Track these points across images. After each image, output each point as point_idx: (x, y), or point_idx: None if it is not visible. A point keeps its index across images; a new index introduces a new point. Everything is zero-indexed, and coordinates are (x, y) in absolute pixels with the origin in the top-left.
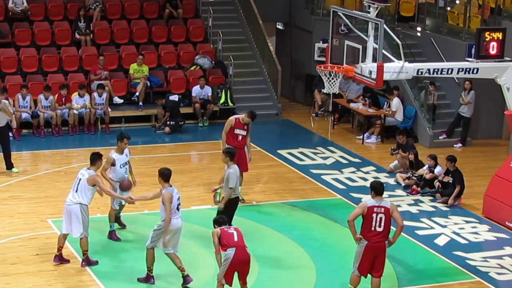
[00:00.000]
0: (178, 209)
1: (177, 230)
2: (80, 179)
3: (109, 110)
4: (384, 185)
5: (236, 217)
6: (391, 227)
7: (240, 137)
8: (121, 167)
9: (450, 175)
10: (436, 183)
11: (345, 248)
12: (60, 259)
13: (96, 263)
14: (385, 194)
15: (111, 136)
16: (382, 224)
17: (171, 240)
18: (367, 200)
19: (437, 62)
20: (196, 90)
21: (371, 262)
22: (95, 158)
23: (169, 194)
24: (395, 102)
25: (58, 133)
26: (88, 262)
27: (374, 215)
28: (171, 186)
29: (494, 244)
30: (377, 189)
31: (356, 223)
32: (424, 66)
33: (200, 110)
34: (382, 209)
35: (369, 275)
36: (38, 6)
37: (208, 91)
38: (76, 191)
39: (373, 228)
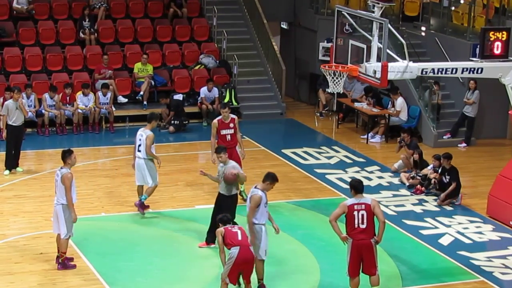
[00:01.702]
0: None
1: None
2: (57, 180)
3: (113, 109)
4: (363, 183)
5: (240, 216)
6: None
7: (228, 137)
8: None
9: (446, 173)
10: (432, 180)
11: None
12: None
13: (74, 267)
14: (389, 193)
15: (116, 135)
16: (365, 220)
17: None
18: (348, 199)
19: (442, 61)
20: (204, 91)
21: (359, 261)
22: (66, 156)
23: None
24: (400, 101)
25: (63, 132)
26: (64, 265)
27: (356, 212)
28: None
29: (498, 244)
30: (356, 187)
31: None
32: (428, 65)
33: (206, 110)
34: (363, 206)
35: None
36: (43, 5)
37: (215, 93)
38: (56, 192)
39: (356, 226)
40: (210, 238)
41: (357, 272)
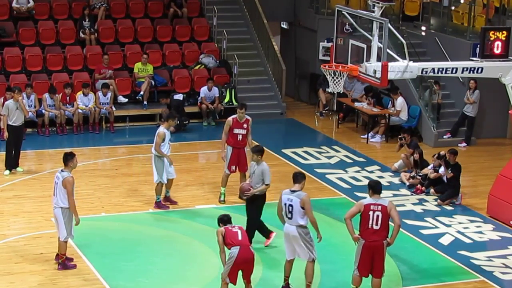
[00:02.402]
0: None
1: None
2: (56, 183)
3: (114, 109)
4: (381, 184)
5: (241, 216)
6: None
7: (240, 137)
8: (168, 143)
9: (450, 168)
10: (432, 174)
11: (349, 248)
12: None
13: (74, 266)
14: (390, 193)
15: (116, 135)
16: (379, 222)
17: None
18: (365, 198)
19: (442, 61)
20: (204, 91)
21: (370, 262)
22: (68, 159)
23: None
24: (400, 101)
25: (63, 132)
26: (64, 266)
27: (371, 212)
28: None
29: (499, 244)
30: (374, 187)
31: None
32: (428, 65)
33: (206, 110)
34: (379, 207)
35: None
36: (43, 5)
37: (215, 92)
38: (56, 195)
39: (369, 226)
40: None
41: (367, 272)
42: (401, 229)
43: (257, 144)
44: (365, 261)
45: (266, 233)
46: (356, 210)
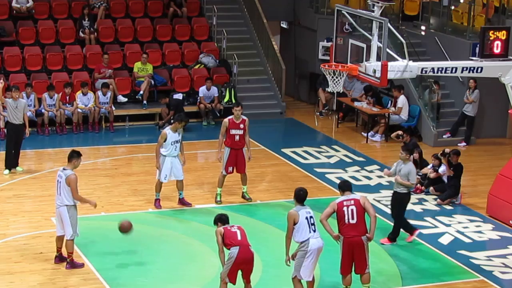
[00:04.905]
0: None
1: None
2: (59, 181)
3: (113, 108)
4: (350, 182)
5: (240, 216)
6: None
7: (237, 137)
8: (171, 144)
9: (452, 168)
10: (432, 174)
11: None
12: (61, 259)
13: (82, 265)
14: (390, 193)
15: (115, 134)
16: (355, 215)
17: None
18: (337, 198)
19: (441, 61)
20: (203, 91)
21: (350, 259)
22: (72, 156)
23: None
24: (402, 99)
25: (62, 131)
26: (72, 265)
27: (345, 208)
28: (303, 206)
29: (498, 243)
30: (341, 187)
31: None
32: (428, 65)
33: (205, 110)
34: (352, 201)
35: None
36: (43, 4)
37: (214, 92)
38: (60, 194)
39: (346, 221)
40: (392, 236)
41: (349, 270)
42: (401, 229)
43: (412, 143)
44: (346, 259)
45: (410, 230)
46: (330, 210)
